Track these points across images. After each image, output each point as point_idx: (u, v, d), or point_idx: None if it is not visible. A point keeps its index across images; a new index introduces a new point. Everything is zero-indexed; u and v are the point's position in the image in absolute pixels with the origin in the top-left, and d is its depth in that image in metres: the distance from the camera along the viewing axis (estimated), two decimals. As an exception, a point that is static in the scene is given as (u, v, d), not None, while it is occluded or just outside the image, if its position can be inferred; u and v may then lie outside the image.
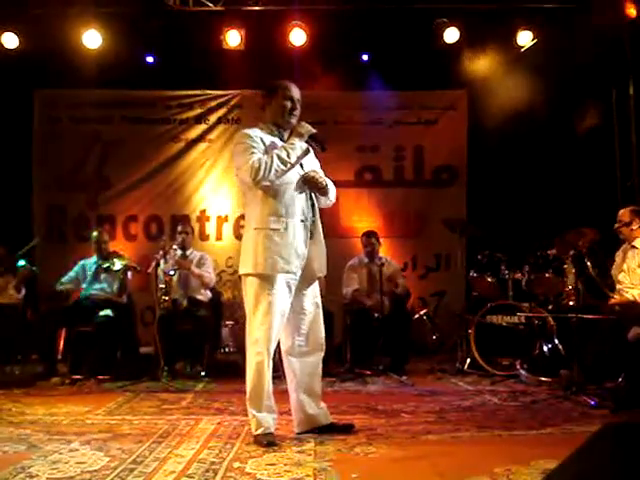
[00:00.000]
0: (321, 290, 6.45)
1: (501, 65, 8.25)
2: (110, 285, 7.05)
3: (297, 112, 4.24)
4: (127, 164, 8.73)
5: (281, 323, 4.07)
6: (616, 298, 5.70)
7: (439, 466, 3.51)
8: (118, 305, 6.97)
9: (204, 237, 8.75)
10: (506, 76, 8.25)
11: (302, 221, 4.12)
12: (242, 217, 8.66)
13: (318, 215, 4.25)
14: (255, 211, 4.11)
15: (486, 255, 7.23)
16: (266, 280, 4.02)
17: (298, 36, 8.00)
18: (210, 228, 8.78)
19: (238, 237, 8.66)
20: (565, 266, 6.52)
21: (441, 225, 8.22)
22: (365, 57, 8.63)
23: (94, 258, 7.19)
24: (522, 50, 8.15)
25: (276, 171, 3.97)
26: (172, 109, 8.86)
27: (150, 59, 8.57)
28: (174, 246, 7.01)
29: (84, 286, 7.07)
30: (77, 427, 4.48)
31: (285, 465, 3.51)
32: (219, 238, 8.80)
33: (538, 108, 8.18)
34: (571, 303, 6.34)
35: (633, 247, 5.86)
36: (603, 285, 5.84)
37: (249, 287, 4.10)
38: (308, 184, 4.18)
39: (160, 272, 6.66)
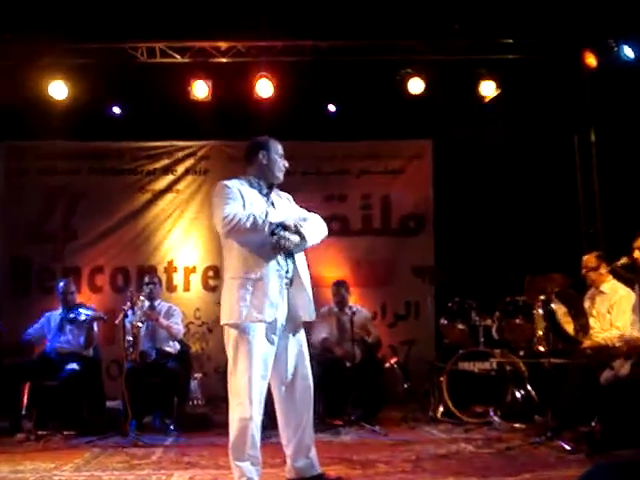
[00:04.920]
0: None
1: (465, 114, 8.38)
2: (76, 337, 6.90)
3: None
4: (94, 215, 8.65)
5: (263, 373, 3.99)
6: (587, 342, 5.74)
7: (419, 516, 3.45)
8: (84, 358, 6.82)
9: (172, 288, 8.65)
10: (471, 125, 8.39)
11: (277, 270, 4.09)
12: (210, 268, 8.64)
13: (299, 262, 4.22)
14: (231, 260, 4.11)
15: (456, 302, 7.24)
16: (243, 330, 3.99)
17: (265, 87, 8.05)
18: (178, 279, 8.69)
19: (206, 288, 8.59)
20: (534, 312, 6.54)
21: (410, 273, 8.27)
22: (332, 107, 8.71)
23: (59, 310, 7.07)
24: (486, 100, 8.28)
25: (247, 229, 3.96)
26: (139, 160, 8.84)
27: (117, 110, 8.55)
28: (141, 297, 6.90)
29: (49, 338, 6.91)
30: (44, 485, 4.35)
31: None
32: (187, 289, 8.71)
33: (502, 156, 8.34)
34: (542, 349, 6.33)
35: (601, 292, 5.93)
36: (576, 328, 5.86)
37: (230, 337, 4.06)
38: (276, 251, 4.09)
39: (128, 324, 6.56)
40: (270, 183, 4.29)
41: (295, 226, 4.10)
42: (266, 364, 4.01)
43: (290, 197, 4.46)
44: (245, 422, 3.90)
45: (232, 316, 4.00)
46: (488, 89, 8.22)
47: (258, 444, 3.96)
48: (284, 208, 4.31)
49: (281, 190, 4.31)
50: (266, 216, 4.00)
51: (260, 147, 4.28)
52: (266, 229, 3.98)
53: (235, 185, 4.17)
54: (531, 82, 7.94)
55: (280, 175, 4.30)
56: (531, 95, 8.02)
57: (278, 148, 4.32)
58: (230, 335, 4.05)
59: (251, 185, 4.23)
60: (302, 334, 4.26)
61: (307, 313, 4.22)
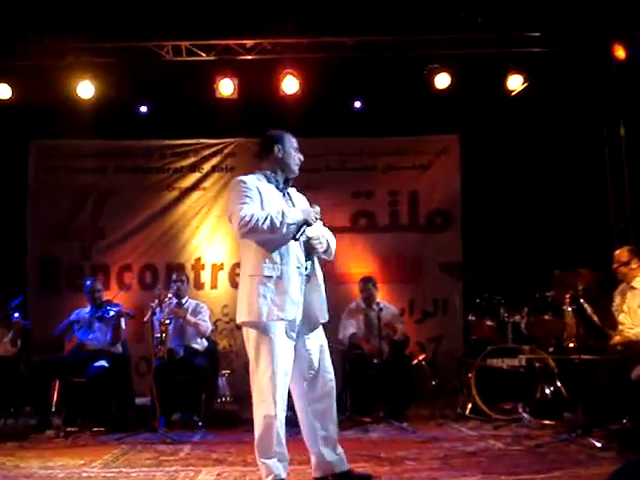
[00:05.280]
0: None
1: (492, 109, 8.31)
2: (104, 334, 6.95)
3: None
4: (122, 213, 8.72)
5: (286, 371, 3.99)
6: (617, 338, 5.66)
7: (448, 513, 3.42)
8: (113, 355, 6.87)
9: (199, 286, 8.68)
10: (498, 120, 8.33)
11: (297, 268, 4.07)
12: (238, 265, 8.62)
13: (316, 261, 4.22)
14: (250, 258, 4.08)
15: (484, 298, 7.17)
16: (265, 328, 3.97)
17: (290, 84, 8.05)
18: (205, 276, 8.72)
19: (234, 285, 8.58)
20: (564, 307, 6.47)
21: (437, 269, 8.19)
22: (358, 103, 8.69)
23: (88, 308, 7.12)
24: (513, 94, 8.20)
25: (264, 231, 3.93)
26: (166, 158, 8.88)
27: (144, 109, 8.64)
28: (169, 295, 6.93)
29: (78, 336, 6.97)
30: (73, 481, 4.38)
31: (289, 515, 3.41)
32: (214, 286, 8.73)
33: (530, 150, 8.27)
34: (571, 345, 6.28)
35: (632, 287, 5.85)
36: (604, 325, 5.80)
37: (250, 336, 4.05)
38: (309, 249, 4.15)
39: (155, 321, 6.60)
40: (286, 177, 4.27)
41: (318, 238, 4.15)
42: (287, 361, 3.99)
43: (304, 198, 4.40)
44: (270, 419, 3.89)
45: (252, 314, 3.98)
46: (515, 83, 8.13)
47: (284, 441, 3.95)
48: (302, 204, 4.29)
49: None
50: (283, 216, 3.95)
51: (275, 141, 4.24)
52: (284, 230, 3.96)
53: (252, 181, 4.12)
54: (559, 75, 7.85)
55: (296, 169, 4.27)
56: (559, 88, 7.94)
57: (293, 141, 4.28)
58: (250, 333, 4.03)
59: (268, 180, 4.20)
60: (321, 330, 4.24)
61: (322, 313, 4.20)
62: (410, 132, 8.79)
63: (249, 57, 7.99)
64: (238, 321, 4.13)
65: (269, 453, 3.90)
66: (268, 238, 3.99)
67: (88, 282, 7.29)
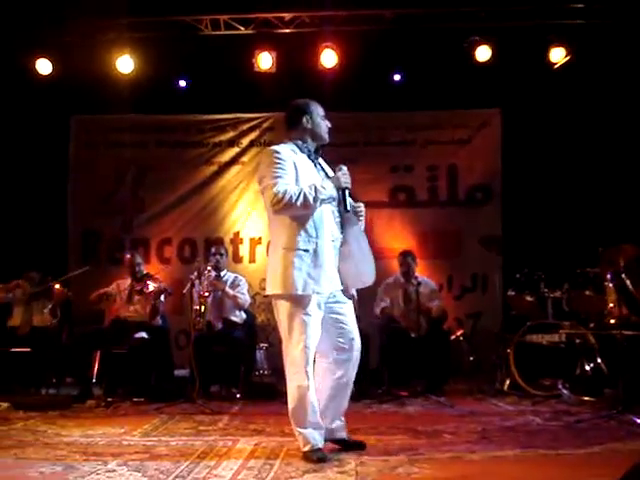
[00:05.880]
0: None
1: (535, 82, 8.16)
2: (143, 307, 7.04)
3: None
4: (161, 188, 8.78)
5: (315, 342, 4.02)
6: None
7: (485, 486, 3.41)
8: (152, 327, 6.95)
9: (237, 259, 8.73)
10: (540, 93, 8.18)
11: (332, 241, 4.09)
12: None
13: (355, 230, 4.22)
14: (283, 231, 4.07)
15: (525, 274, 7.08)
16: (299, 301, 3.99)
17: (329, 57, 8.00)
18: (243, 250, 8.76)
19: (272, 259, 8.60)
20: (605, 283, 6.38)
21: (477, 245, 8.15)
22: (397, 77, 8.60)
23: (128, 280, 7.20)
24: (555, 67, 8.05)
25: (297, 207, 3.94)
26: (205, 133, 8.91)
27: (183, 83, 8.67)
28: (208, 267, 6.98)
29: (118, 307, 7.07)
30: (113, 448, 4.43)
31: (326, 485, 3.43)
32: (252, 260, 8.76)
33: (573, 124, 8.12)
34: (612, 321, 6.20)
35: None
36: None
37: (282, 309, 4.07)
38: (351, 218, 4.18)
39: (195, 294, 6.65)
40: (316, 146, 4.27)
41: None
42: (317, 333, 4.03)
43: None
44: (303, 390, 3.94)
45: (287, 287, 3.98)
46: (557, 56, 7.98)
47: (318, 410, 4.00)
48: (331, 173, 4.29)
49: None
50: (316, 192, 3.93)
51: (303, 111, 4.23)
52: (317, 206, 3.97)
53: (286, 153, 4.10)
54: (602, 48, 7.65)
55: (326, 136, 4.27)
56: (603, 62, 7.75)
57: (320, 110, 4.27)
58: (282, 306, 4.06)
59: (301, 150, 4.19)
60: (350, 302, 4.26)
61: (355, 282, 4.24)
62: (450, 106, 8.65)
63: (287, 30, 7.96)
64: (269, 293, 4.15)
65: (304, 423, 3.96)
66: (305, 212, 3.99)
67: (128, 255, 7.37)
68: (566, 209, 8.10)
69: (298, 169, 4.06)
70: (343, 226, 4.19)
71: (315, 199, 3.93)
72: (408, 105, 8.61)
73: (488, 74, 8.10)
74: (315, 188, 3.95)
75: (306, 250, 3.99)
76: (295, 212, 3.98)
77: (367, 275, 4.26)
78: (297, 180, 4.02)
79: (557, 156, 8.22)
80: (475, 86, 8.29)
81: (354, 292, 4.41)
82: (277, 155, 4.05)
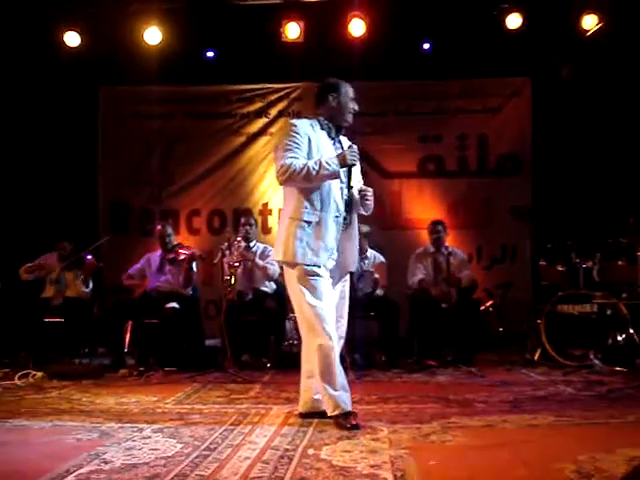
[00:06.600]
0: (382, 280, 6.52)
1: (566, 50, 8.03)
2: (175, 277, 7.08)
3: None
4: (190, 159, 8.78)
5: (330, 303, 4.11)
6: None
7: (521, 454, 3.40)
8: (184, 297, 6.99)
9: (266, 230, 8.74)
10: (572, 61, 8.05)
11: (336, 217, 4.16)
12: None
13: (354, 212, 4.31)
14: (291, 201, 4.19)
15: (556, 243, 7.02)
16: (304, 267, 4.08)
17: (357, 26, 7.91)
18: (272, 221, 8.74)
19: (301, 230, 8.62)
20: (638, 254, 6.32)
21: (507, 215, 8.09)
22: (426, 46, 8.50)
23: (159, 251, 7.25)
24: (587, 34, 7.91)
25: (300, 180, 4.05)
26: (233, 103, 8.88)
27: (210, 54, 8.65)
28: (238, 238, 7.00)
29: (149, 279, 7.12)
30: (148, 415, 4.49)
31: (361, 452, 3.44)
32: (281, 231, 8.76)
33: (605, 93, 7.97)
34: (645, 291, 6.15)
35: None
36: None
37: (292, 275, 4.16)
38: (358, 201, 4.26)
39: (225, 264, 6.68)
40: (338, 126, 4.31)
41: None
42: (331, 293, 4.15)
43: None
44: (327, 350, 4.00)
45: (287, 255, 4.11)
46: (590, 23, 7.83)
47: (343, 372, 4.08)
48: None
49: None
50: (320, 167, 3.99)
51: (330, 90, 4.27)
52: (320, 180, 4.05)
53: (303, 127, 4.16)
54: (636, 14, 7.48)
55: (349, 118, 4.31)
56: (636, 29, 7.58)
57: (349, 91, 4.30)
58: (290, 272, 4.16)
59: (321, 127, 4.25)
60: (347, 278, 4.37)
61: (352, 264, 4.34)
62: (480, 74, 8.54)
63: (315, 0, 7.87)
64: (275, 258, 4.40)
65: (334, 385, 4.02)
66: (308, 185, 4.09)
67: (158, 227, 7.40)
68: (597, 179, 7.98)
69: (312, 144, 4.14)
70: (349, 205, 4.25)
71: (318, 173, 4.00)
72: (438, 74, 8.51)
73: (519, 42, 7.98)
74: (320, 163, 4.02)
75: (309, 222, 4.10)
76: (298, 184, 4.09)
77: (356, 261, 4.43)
78: (309, 155, 4.11)
79: (587, 125, 8.09)
80: (506, 54, 8.18)
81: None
82: (293, 128, 4.15)
